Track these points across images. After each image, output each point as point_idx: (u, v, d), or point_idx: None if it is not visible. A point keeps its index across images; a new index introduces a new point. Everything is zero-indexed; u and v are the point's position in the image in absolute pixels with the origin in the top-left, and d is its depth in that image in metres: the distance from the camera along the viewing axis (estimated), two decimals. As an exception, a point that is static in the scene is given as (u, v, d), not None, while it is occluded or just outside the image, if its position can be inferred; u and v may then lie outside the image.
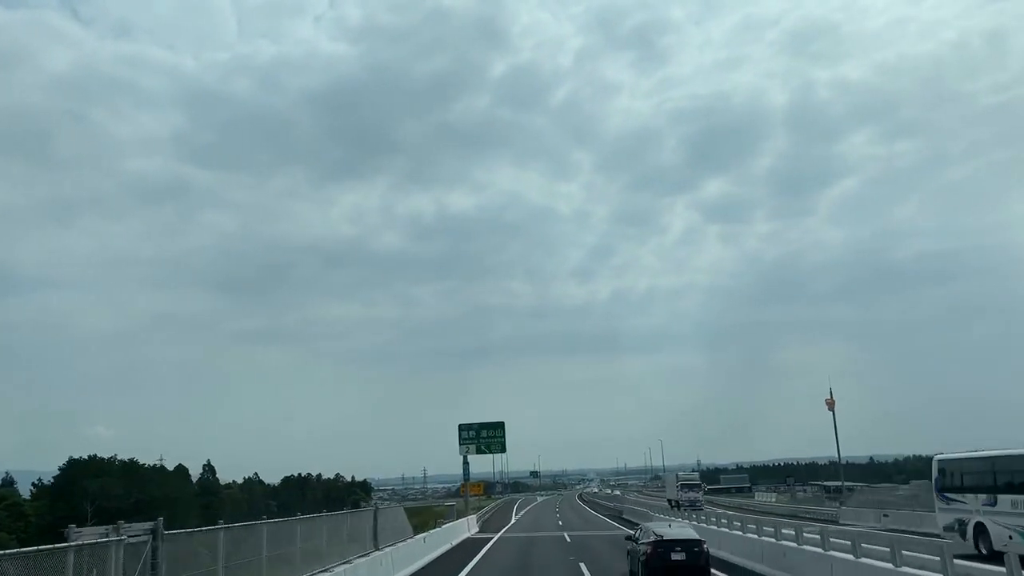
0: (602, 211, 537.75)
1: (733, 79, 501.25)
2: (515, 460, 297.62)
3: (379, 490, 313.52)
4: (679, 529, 21.68)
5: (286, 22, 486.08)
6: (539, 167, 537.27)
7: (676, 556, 19.42)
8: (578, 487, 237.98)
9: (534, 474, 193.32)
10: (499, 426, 46.62)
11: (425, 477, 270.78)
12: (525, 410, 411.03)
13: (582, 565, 24.78)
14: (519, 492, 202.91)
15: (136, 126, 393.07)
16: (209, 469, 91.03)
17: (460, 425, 46.50)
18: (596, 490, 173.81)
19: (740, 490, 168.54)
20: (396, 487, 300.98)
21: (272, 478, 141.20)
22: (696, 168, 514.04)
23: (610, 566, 24.54)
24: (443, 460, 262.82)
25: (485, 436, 45.98)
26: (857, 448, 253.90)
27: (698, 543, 20.08)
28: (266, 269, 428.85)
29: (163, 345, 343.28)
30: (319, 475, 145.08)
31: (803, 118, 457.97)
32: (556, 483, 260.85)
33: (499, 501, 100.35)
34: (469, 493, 51.82)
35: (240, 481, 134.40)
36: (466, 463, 45.00)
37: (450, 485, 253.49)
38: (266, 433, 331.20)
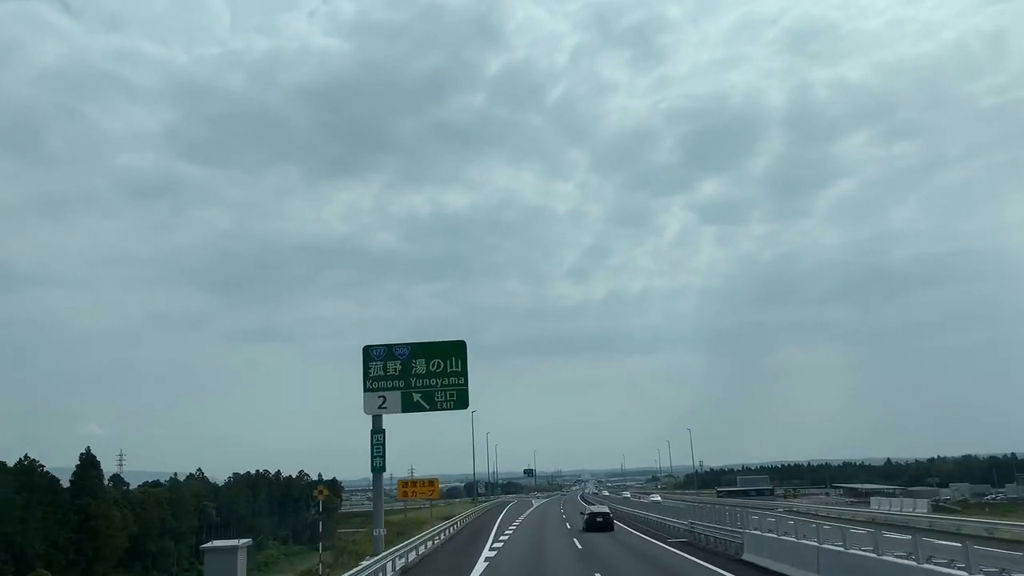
0: (598, 211, 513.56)
1: (730, 78, 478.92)
2: (508, 461, 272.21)
3: (369, 490, 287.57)
4: (600, 508, 44.28)
5: (280, 16, 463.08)
6: (535, 166, 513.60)
7: (598, 519, 39.76)
8: (574, 488, 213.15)
9: (528, 472, 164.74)
10: (453, 350, 20.62)
11: (412, 477, 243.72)
12: (519, 411, 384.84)
13: None
14: (511, 494, 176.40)
15: (128, 121, 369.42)
16: (88, 463, 64.81)
17: (366, 348, 20.82)
18: (604, 492, 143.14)
19: (761, 493, 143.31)
20: (386, 487, 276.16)
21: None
22: (692, 168, 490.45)
23: None
24: (434, 460, 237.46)
25: (423, 376, 20.23)
26: (862, 451, 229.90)
27: (608, 513, 41.74)
28: (260, 267, 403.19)
29: (154, 343, 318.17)
30: (278, 472, 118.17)
31: (801, 118, 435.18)
32: (552, 483, 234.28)
33: (480, 507, 74.58)
34: (409, 495, 26.03)
35: (171, 479, 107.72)
36: (378, 433, 18.59)
37: (444, 485, 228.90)
38: (252, 432, 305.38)
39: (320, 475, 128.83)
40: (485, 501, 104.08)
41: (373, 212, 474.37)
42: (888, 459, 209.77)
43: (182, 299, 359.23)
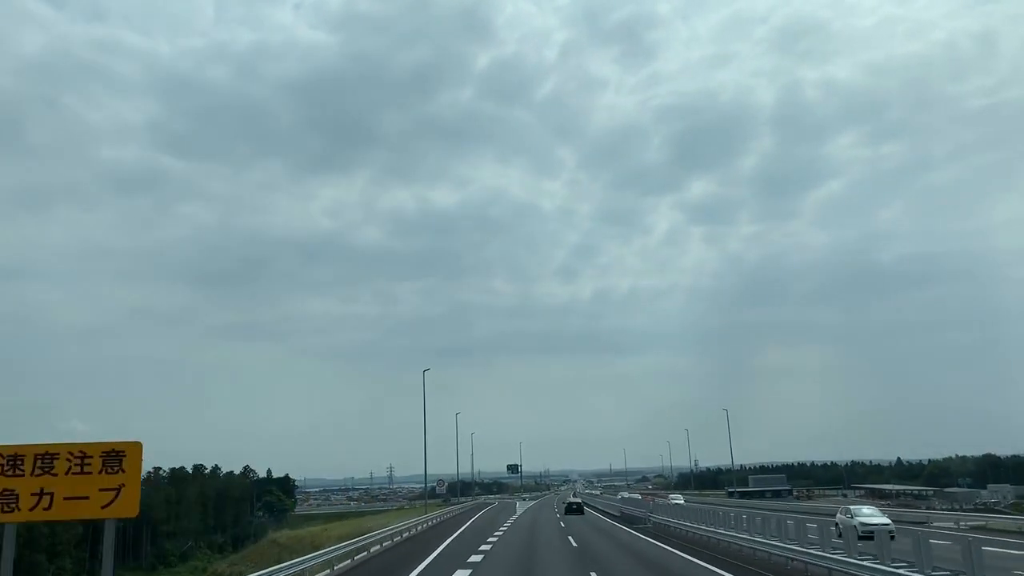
0: (586, 209, 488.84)
1: (720, 77, 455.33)
2: (494, 460, 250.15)
3: (339, 491, 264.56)
4: (575, 499, 65.91)
5: (264, 8, 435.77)
6: (523, 163, 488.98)
7: (573, 506, 59.95)
8: (562, 488, 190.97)
9: (512, 468, 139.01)
10: None
11: (391, 476, 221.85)
12: (506, 410, 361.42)
13: None
14: (494, 494, 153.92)
15: (110, 113, 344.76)
16: None
17: None
18: (625, 494, 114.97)
19: (778, 494, 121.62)
20: (367, 487, 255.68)
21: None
22: (681, 167, 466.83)
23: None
24: (418, 459, 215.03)
25: None
26: (859, 451, 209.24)
27: (580, 503, 63.39)
28: (244, 263, 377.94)
29: (135, 338, 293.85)
30: (215, 468, 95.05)
31: (789, 118, 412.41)
32: (539, 483, 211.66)
33: (434, 513, 52.72)
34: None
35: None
36: None
37: (423, 485, 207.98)
38: (225, 429, 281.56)
39: (269, 471, 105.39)
40: (457, 503, 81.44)
41: (359, 208, 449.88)
42: (898, 458, 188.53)
43: (165, 294, 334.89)
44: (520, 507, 75.76)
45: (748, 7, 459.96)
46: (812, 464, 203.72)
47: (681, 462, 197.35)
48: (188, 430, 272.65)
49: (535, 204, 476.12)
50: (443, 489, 53.23)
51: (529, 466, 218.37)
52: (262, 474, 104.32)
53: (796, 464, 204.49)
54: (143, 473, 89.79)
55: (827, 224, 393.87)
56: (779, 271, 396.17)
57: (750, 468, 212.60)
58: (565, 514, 56.17)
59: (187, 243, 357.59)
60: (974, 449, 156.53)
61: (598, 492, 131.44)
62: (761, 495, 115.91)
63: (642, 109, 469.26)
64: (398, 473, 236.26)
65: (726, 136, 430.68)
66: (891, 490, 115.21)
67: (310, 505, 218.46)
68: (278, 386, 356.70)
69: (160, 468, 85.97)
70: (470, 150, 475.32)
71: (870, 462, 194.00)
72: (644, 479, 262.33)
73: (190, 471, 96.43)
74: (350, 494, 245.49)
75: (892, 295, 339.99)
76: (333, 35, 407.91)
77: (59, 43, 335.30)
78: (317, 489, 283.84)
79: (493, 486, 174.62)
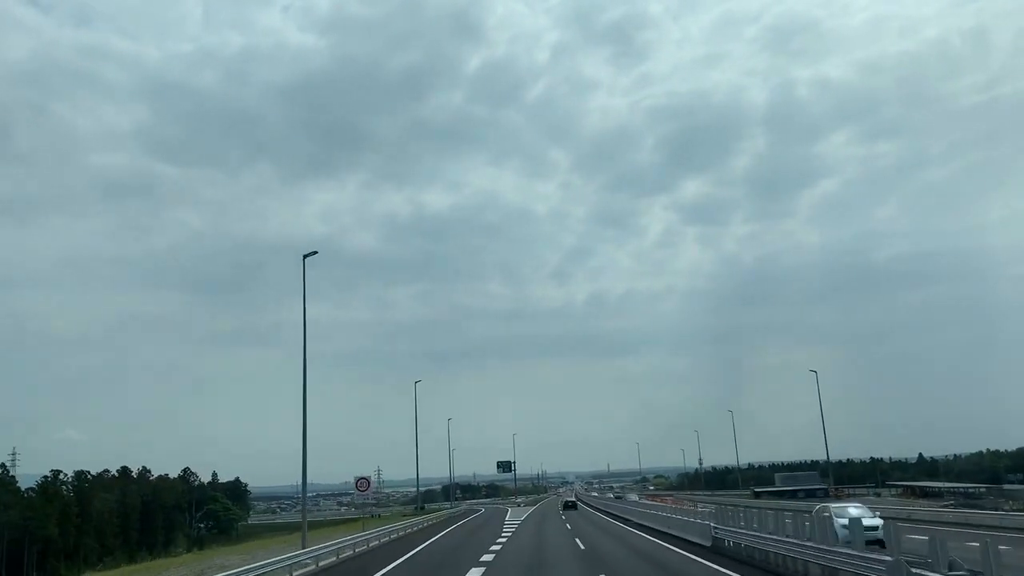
0: (580, 212, 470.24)
1: (712, 77, 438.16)
2: (489, 464, 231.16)
3: (331, 495, 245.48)
4: (570, 498, 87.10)
5: (254, 12, 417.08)
6: (515, 166, 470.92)
7: (569, 504, 73.72)
8: (560, 490, 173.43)
9: (505, 466, 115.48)
10: None
11: (380, 480, 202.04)
12: (501, 413, 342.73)
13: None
14: (484, 498, 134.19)
15: (99, 119, 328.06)
16: None
17: None
18: (609, 495, 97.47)
19: (812, 494, 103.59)
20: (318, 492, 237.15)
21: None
22: (674, 168, 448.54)
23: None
24: (409, 464, 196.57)
25: None
26: (863, 450, 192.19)
27: (575, 500, 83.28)
28: (237, 269, 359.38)
29: (131, 347, 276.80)
30: (143, 470, 75.20)
31: (783, 117, 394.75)
32: (537, 486, 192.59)
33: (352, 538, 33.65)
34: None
35: None
36: None
37: (413, 490, 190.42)
38: (228, 438, 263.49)
39: (215, 475, 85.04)
40: (424, 511, 62.17)
41: (352, 212, 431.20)
42: (920, 454, 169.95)
43: (158, 301, 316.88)
44: (512, 519, 54.23)
45: (739, 7, 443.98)
46: (826, 462, 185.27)
47: (675, 462, 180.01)
48: (184, 438, 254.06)
49: (529, 207, 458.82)
50: (366, 490, 33.23)
51: (525, 468, 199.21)
52: (203, 479, 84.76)
53: (808, 462, 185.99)
54: (32, 480, 69.90)
55: (822, 224, 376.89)
56: (775, 271, 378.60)
57: (757, 467, 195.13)
58: (563, 509, 66.27)
59: (180, 249, 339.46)
60: (979, 445, 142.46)
61: (636, 496, 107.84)
62: (793, 495, 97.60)
63: (635, 110, 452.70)
64: (394, 477, 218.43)
65: (719, 136, 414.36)
66: (939, 488, 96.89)
67: (297, 511, 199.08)
68: (273, 392, 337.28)
69: (60, 472, 66.12)
70: (463, 153, 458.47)
71: (890, 459, 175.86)
72: (644, 479, 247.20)
73: (116, 474, 76.80)
74: (341, 499, 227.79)
75: (889, 293, 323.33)
76: (323, 38, 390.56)
77: (46, 49, 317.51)
78: (311, 495, 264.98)
79: (485, 488, 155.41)
